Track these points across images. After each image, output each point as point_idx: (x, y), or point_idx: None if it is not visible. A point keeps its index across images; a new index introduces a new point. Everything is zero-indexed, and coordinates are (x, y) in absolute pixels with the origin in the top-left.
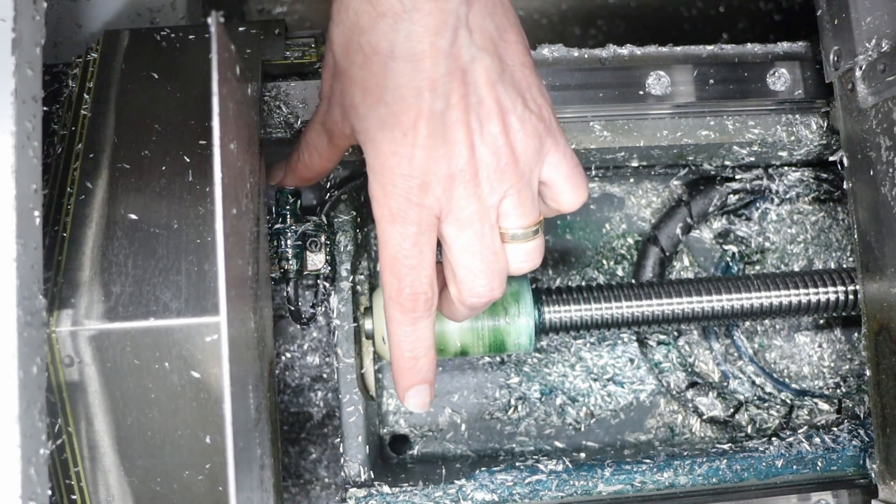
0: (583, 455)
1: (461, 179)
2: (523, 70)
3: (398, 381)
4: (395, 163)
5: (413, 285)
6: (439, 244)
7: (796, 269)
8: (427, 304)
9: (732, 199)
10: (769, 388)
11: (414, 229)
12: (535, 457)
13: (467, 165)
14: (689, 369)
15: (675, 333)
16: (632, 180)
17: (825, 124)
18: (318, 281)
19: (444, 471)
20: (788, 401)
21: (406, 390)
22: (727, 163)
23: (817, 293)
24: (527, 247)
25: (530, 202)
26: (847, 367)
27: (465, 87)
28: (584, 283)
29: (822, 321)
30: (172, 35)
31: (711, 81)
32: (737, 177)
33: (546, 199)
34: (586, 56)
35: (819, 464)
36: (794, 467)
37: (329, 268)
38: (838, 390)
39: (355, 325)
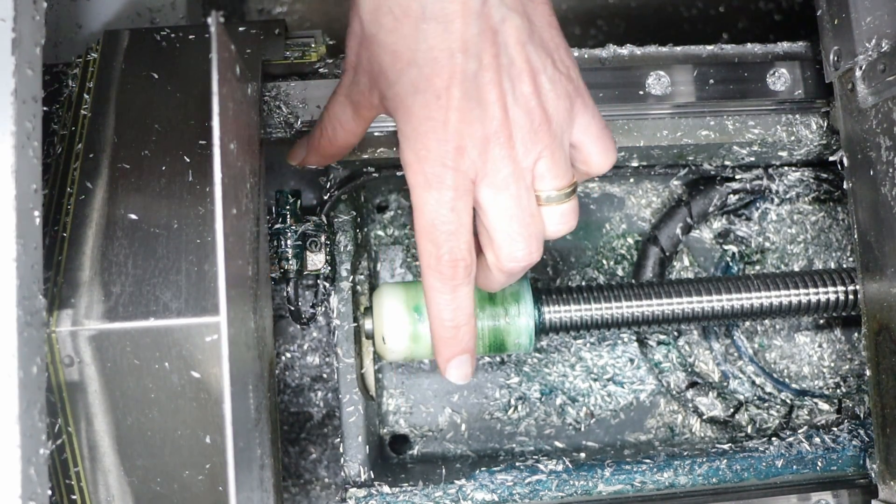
0: (583, 455)
1: (496, 141)
2: (551, 31)
3: (440, 351)
4: (429, 127)
5: (452, 251)
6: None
7: (796, 269)
8: (467, 270)
9: (732, 199)
10: (769, 388)
11: (451, 194)
12: (535, 457)
13: (502, 127)
14: (689, 369)
15: (675, 333)
16: (632, 180)
17: (825, 124)
18: (318, 281)
19: (444, 471)
20: (788, 401)
21: (448, 361)
22: (727, 163)
23: (817, 293)
24: (562, 208)
25: (564, 163)
26: (847, 367)
27: (496, 48)
28: (584, 283)
29: (822, 321)
30: (172, 35)
31: (711, 81)
32: (737, 177)
33: (576, 163)
34: (586, 56)
35: (819, 464)
36: (794, 467)
37: (329, 268)
38: (838, 390)
39: (355, 325)
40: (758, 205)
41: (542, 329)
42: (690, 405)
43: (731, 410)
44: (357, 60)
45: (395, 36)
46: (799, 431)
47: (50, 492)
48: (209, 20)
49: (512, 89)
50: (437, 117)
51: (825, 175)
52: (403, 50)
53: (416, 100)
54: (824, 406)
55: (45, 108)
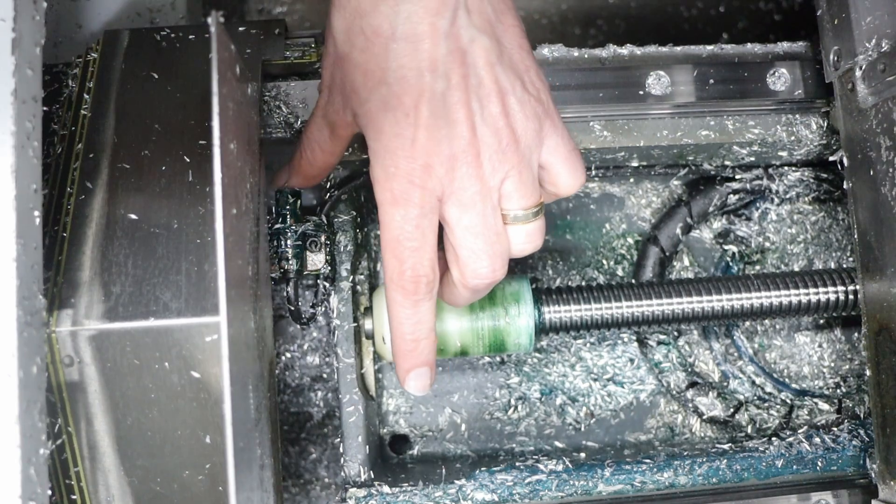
0: (583, 455)
1: (464, 160)
2: (521, 53)
3: (399, 363)
4: (397, 144)
5: (415, 267)
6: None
7: (796, 269)
8: (429, 286)
9: (732, 199)
10: (769, 388)
11: (416, 212)
12: (535, 457)
13: (469, 146)
14: (689, 369)
15: (675, 333)
16: (632, 180)
17: (825, 124)
18: (318, 281)
19: (444, 471)
20: (788, 401)
21: (407, 373)
22: (727, 163)
23: (817, 293)
24: (528, 228)
25: (531, 183)
26: (847, 367)
27: (465, 68)
28: (584, 283)
29: (822, 321)
30: (172, 35)
31: (711, 81)
32: (737, 177)
33: (544, 184)
34: (586, 56)
35: (819, 464)
36: (794, 467)
37: (329, 268)
38: (838, 390)
39: (355, 325)
40: (758, 205)
41: (542, 329)
42: (690, 405)
43: (731, 410)
44: (331, 80)
45: (367, 55)
46: (799, 431)
47: (50, 492)
48: (209, 20)
49: (480, 109)
50: (405, 135)
51: (825, 175)
52: (374, 69)
53: (386, 117)
54: (824, 406)
55: (45, 108)
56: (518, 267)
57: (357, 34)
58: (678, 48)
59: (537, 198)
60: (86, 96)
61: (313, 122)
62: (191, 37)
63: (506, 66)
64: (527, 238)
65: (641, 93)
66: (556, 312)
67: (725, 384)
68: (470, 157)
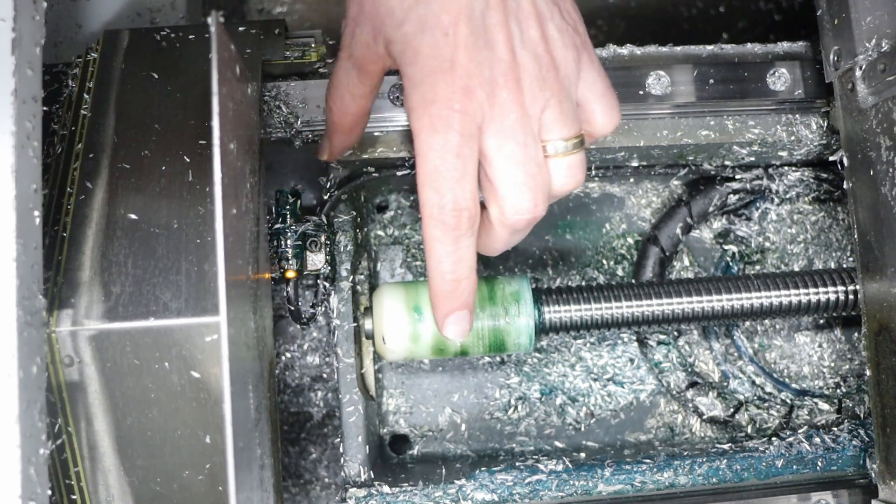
0: (583, 455)
1: (504, 85)
2: None
3: (438, 306)
4: (436, 66)
5: (457, 200)
6: None
7: (796, 269)
8: (471, 220)
9: (732, 199)
10: (769, 388)
11: (457, 139)
12: (535, 457)
13: (510, 70)
14: (689, 369)
15: (675, 333)
16: (632, 180)
17: (825, 124)
18: (318, 281)
19: (444, 471)
20: (788, 401)
21: (446, 316)
22: (727, 163)
23: (817, 293)
24: (569, 160)
25: (571, 113)
26: (847, 367)
27: None
28: (584, 283)
29: (822, 321)
30: (172, 35)
31: (711, 81)
32: (737, 177)
33: (579, 122)
34: None
35: (819, 464)
36: (794, 467)
37: (329, 268)
38: (838, 390)
39: (355, 325)
40: (758, 205)
41: (542, 329)
42: (690, 405)
43: (731, 410)
44: (359, 10)
45: None
46: (799, 431)
47: (50, 492)
48: (209, 20)
49: (520, 33)
50: (444, 55)
51: (825, 175)
52: None
53: (424, 38)
54: (824, 406)
55: (45, 108)
56: (518, 267)
57: None
58: (678, 48)
59: (578, 129)
60: (86, 96)
61: (339, 67)
62: (191, 37)
63: None
64: (568, 171)
65: (641, 93)
66: (556, 312)
67: (725, 384)
68: (511, 83)
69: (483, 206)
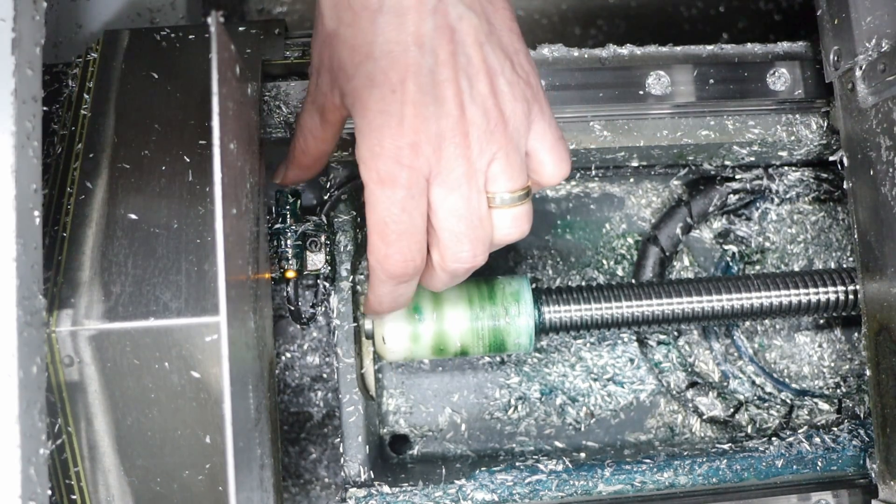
0: (583, 455)
1: (451, 139)
2: (510, 35)
3: (369, 310)
4: (383, 122)
5: (402, 252)
6: None
7: (796, 269)
8: (416, 271)
9: (732, 199)
10: (769, 388)
11: (403, 193)
12: (535, 457)
13: (457, 125)
14: (689, 369)
15: (675, 333)
16: (632, 180)
17: (825, 124)
18: (318, 281)
19: (444, 471)
20: (788, 401)
21: (373, 312)
22: (727, 163)
23: (817, 293)
24: (514, 212)
25: (518, 166)
26: (847, 367)
27: (453, 45)
28: (584, 283)
29: (822, 321)
30: (172, 35)
31: (711, 81)
32: (737, 177)
33: (529, 172)
34: (586, 56)
35: (819, 464)
36: (794, 467)
37: (329, 268)
38: (838, 390)
39: (355, 325)
40: (758, 205)
41: (542, 329)
42: (690, 405)
43: (731, 410)
44: (319, 61)
45: (354, 30)
46: (799, 431)
47: (50, 492)
48: (209, 20)
49: (469, 88)
50: (392, 111)
51: (825, 175)
52: (361, 44)
53: (373, 94)
54: (824, 406)
55: (45, 108)
56: (518, 267)
57: (345, 9)
58: (678, 48)
59: (524, 181)
60: (86, 96)
61: (305, 110)
62: (191, 37)
63: (495, 46)
64: (513, 222)
65: (641, 93)
66: (556, 312)
67: (725, 384)
68: (458, 137)
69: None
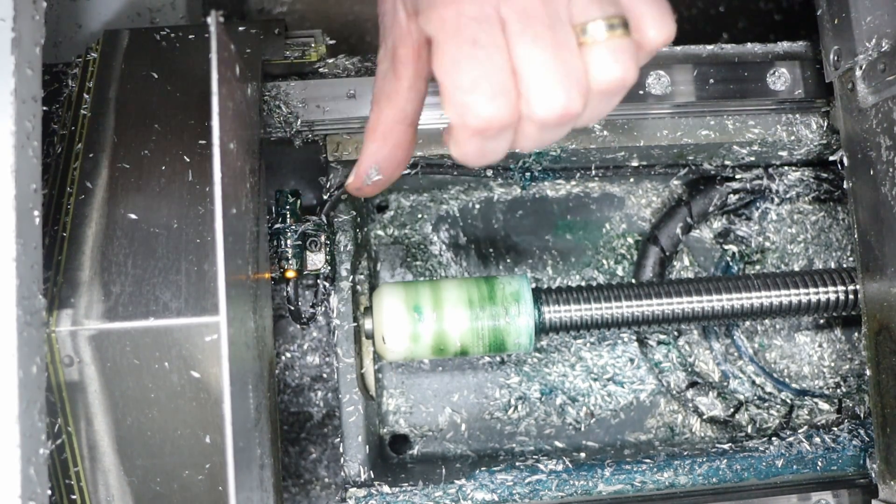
0: (583, 455)
1: None
2: None
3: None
4: None
5: (485, 94)
6: None
7: (796, 269)
8: (502, 121)
9: (732, 198)
10: (769, 388)
11: (474, 26)
12: (535, 457)
13: None
14: (689, 369)
15: (675, 333)
16: (632, 180)
17: (825, 124)
18: (318, 281)
19: (444, 471)
20: (788, 401)
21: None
22: (727, 162)
23: (817, 293)
24: (613, 44)
25: None
26: (847, 367)
27: None
28: (584, 283)
29: (822, 321)
30: (172, 35)
31: (711, 81)
32: (737, 176)
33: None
34: None
35: (819, 464)
36: (794, 467)
37: (329, 268)
38: (838, 390)
39: (355, 325)
40: (758, 204)
41: (542, 329)
42: (690, 405)
43: (731, 410)
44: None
45: None
46: (799, 431)
47: (50, 492)
48: (209, 20)
49: None
50: None
51: (825, 175)
52: None
53: None
54: (824, 406)
55: (45, 108)
56: (518, 267)
57: None
58: (678, 48)
59: (618, 9)
60: (86, 96)
61: (377, 74)
62: (191, 37)
63: None
64: (612, 57)
65: (641, 92)
66: (556, 312)
67: (725, 384)
68: None
69: None
